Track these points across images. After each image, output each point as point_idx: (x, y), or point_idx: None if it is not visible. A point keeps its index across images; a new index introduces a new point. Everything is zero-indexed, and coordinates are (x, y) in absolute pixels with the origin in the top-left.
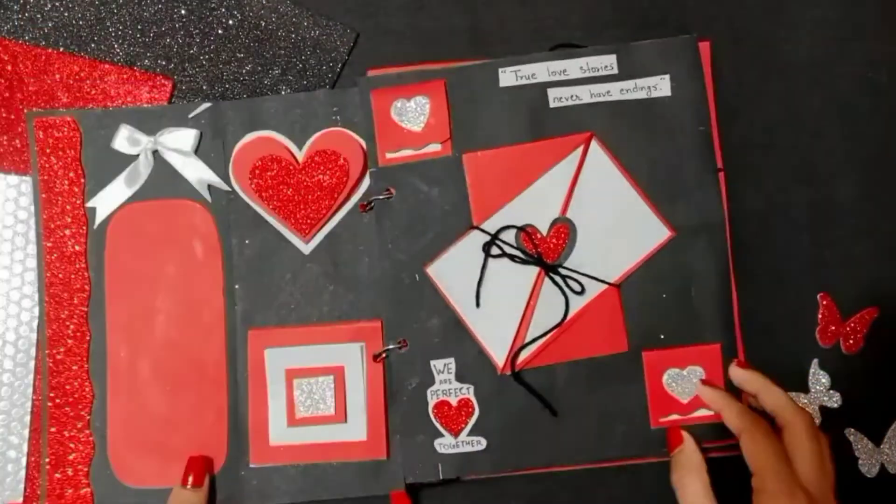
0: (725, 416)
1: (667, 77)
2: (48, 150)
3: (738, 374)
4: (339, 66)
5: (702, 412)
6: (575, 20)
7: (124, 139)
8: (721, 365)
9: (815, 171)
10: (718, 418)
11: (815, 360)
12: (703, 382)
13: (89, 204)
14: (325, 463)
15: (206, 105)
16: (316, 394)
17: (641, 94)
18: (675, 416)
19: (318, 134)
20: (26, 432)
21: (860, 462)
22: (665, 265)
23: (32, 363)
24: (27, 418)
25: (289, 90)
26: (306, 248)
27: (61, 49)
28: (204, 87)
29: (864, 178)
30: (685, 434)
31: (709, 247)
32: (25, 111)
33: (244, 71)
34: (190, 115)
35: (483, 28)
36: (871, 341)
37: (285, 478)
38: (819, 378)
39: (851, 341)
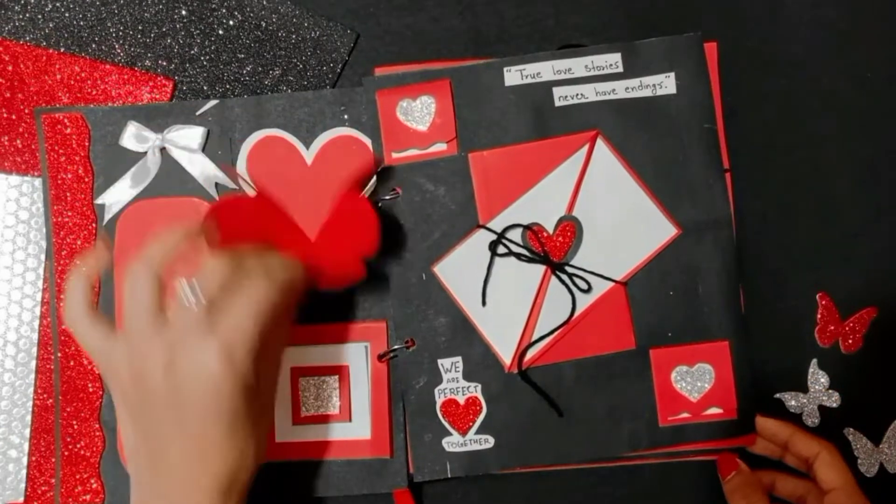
0: (797, 441)
1: (672, 75)
2: (57, 147)
3: (769, 424)
4: (340, 66)
5: (712, 410)
6: (574, 20)
7: (132, 136)
8: (730, 362)
9: (815, 171)
10: (727, 416)
11: (814, 360)
12: (760, 416)
13: (98, 201)
14: (330, 460)
15: (214, 102)
16: (321, 393)
17: (647, 92)
18: (684, 415)
19: (325, 133)
20: (27, 432)
21: (859, 462)
22: (671, 263)
23: (34, 363)
24: (28, 418)
25: (289, 91)
26: None
27: (62, 49)
28: (205, 88)
29: (864, 178)
30: (739, 460)
31: (715, 244)
32: (34, 108)
33: (245, 71)
34: (197, 113)
35: (483, 28)
36: (870, 341)
37: (290, 475)
38: (818, 378)
39: (850, 341)
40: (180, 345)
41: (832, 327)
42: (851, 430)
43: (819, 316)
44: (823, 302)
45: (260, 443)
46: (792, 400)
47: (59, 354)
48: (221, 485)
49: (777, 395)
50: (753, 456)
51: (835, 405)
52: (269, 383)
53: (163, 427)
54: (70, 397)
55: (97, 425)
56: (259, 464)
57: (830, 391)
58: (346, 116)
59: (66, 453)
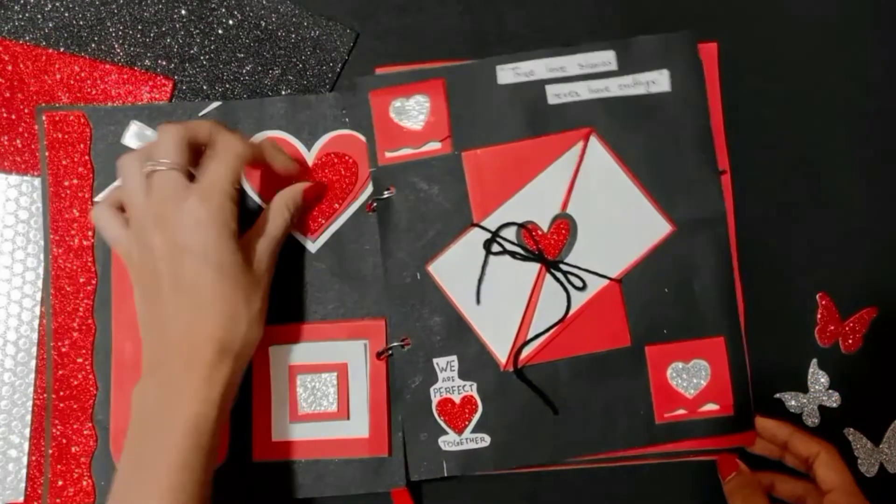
0: (796, 441)
1: (665, 72)
2: (57, 145)
3: (768, 424)
4: (339, 66)
5: (709, 407)
6: (574, 21)
7: (134, 136)
8: (726, 358)
9: (815, 170)
10: (724, 413)
11: (815, 360)
12: (759, 416)
13: (97, 199)
14: (327, 459)
15: (216, 104)
16: (319, 390)
17: (640, 90)
18: (681, 411)
19: (327, 136)
20: (27, 432)
21: (859, 462)
22: (666, 260)
23: (34, 362)
24: (28, 417)
25: (289, 90)
26: (312, 246)
27: (62, 49)
28: (204, 87)
29: (864, 178)
30: (739, 460)
31: (710, 240)
32: (35, 106)
33: (244, 71)
34: (200, 114)
35: (483, 29)
36: (870, 341)
37: (287, 474)
38: (818, 378)
39: (850, 341)
40: (166, 201)
41: (832, 327)
42: (851, 430)
43: (819, 316)
44: (823, 302)
45: (252, 319)
46: (792, 400)
47: (53, 353)
48: (216, 344)
49: (777, 395)
50: (753, 456)
51: (835, 405)
52: (261, 262)
53: (163, 287)
54: (63, 395)
55: (89, 424)
56: (252, 342)
57: (830, 391)
58: (347, 119)
59: (56, 452)
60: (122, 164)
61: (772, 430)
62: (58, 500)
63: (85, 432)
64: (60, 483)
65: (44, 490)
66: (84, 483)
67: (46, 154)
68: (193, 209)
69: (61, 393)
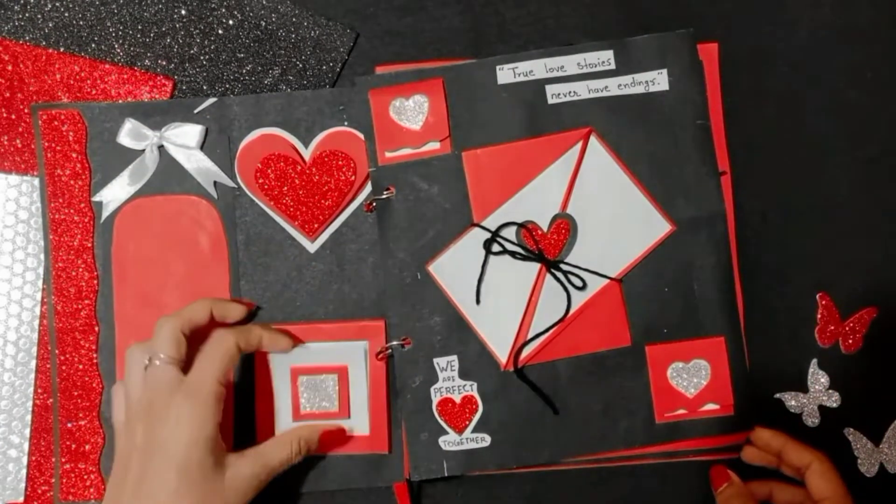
0: (789, 450)
1: (664, 72)
2: (54, 144)
3: (763, 434)
4: (339, 66)
5: (709, 406)
6: (575, 21)
7: (129, 134)
8: (726, 358)
9: (815, 170)
10: (724, 413)
11: (815, 360)
12: (757, 427)
13: (96, 198)
14: (329, 455)
15: (212, 100)
16: (320, 392)
17: (639, 89)
18: (681, 411)
19: (324, 133)
20: (27, 432)
21: (859, 462)
22: (666, 259)
23: (34, 362)
24: (28, 417)
25: (289, 90)
26: (311, 246)
27: (62, 49)
28: (204, 87)
29: (864, 178)
30: (730, 471)
31: (709, 240)
32: (31, 104)
33: (244, 71)
34: (196, 111)
35: (483, 29)
36: (870, 341)
37: (290, 470)
38: (818, 378)
39: (850, 341)
40: (157, 395)
41: (832, 327)
42: (851, 430)
43: (819, 316)
44: (823, 302)
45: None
46: (792, 400)
47: (57, 351)
48: None
49: (777, 395)
50: (751, 465)
51: (835, 405)
52: (240, 484)
53: (128, 483)
54: (69, 394)
55: (97, 421)
56: None
57: (830, 391)
58: (344, 116)
59: (65, 449)
60: (127, 355)
61: (766, 439)
62: (69, 496)
63: (92, 430)
64: (70, 479)
65: (55, 486)
66: (93, 478)
67: (43, 153)
68: (177, 404)
69: (67, 392)
